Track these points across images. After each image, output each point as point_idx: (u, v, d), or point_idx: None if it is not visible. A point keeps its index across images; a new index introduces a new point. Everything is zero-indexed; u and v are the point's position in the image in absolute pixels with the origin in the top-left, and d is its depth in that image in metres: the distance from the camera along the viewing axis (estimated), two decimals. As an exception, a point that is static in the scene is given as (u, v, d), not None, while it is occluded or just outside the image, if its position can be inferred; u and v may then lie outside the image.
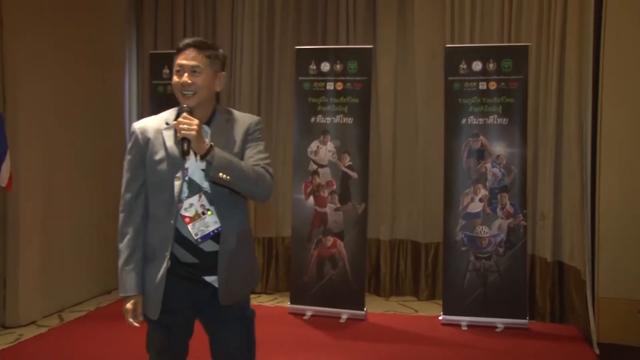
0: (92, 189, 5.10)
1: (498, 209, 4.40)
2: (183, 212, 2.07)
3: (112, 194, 5.32)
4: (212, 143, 1.99)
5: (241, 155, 2.11)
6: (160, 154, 2.08)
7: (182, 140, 1.96)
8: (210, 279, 2.10)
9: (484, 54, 4.48)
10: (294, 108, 4.79)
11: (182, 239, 2.08)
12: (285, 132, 5.45)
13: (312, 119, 4.67)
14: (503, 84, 4.44)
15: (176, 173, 2.07)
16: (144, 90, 5.66)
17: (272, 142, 5.39)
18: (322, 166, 4.64)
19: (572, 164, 4.43)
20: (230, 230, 2.09)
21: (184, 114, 1.99)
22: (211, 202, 2.08)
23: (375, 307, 4.89)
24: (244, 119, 2.19)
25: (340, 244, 4.58)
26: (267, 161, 2.14)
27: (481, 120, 4.47)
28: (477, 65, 4.47)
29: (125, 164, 2.14)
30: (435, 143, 5.02)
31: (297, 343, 4.01)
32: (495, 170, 4.42)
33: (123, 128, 5.63)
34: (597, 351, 3.85)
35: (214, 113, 2.17)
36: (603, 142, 4.04)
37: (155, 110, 4.79)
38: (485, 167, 4.44)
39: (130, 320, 2.08)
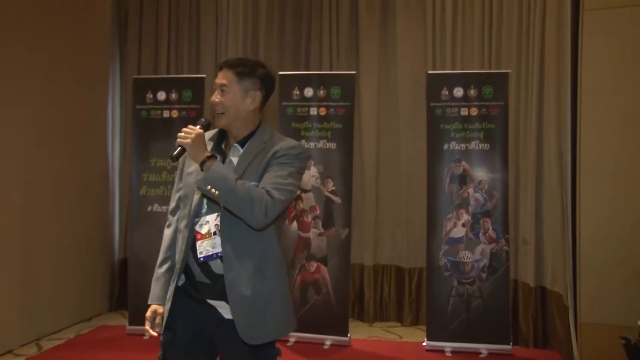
0: (71, 212, 5.03)
1: (480, 234, 4.42)
2: (197, 228, 2.03)
3: (92, 217, 5.37)
4: (216, 155, 1.98)
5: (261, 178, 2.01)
6: (192, 167, 2.08)
7: (177, 147, 1.98)
8: (215, 302, 2.02)
9: (465, 80, 4.55)
10: (277, 133, 4.79)
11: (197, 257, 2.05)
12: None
13: (296, 144, 4.68)
14: (484, 110, 4.50)
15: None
16: (127, 114, 5.63)
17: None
18: (305, 191, 4.63)
19: (553, 190, 4.47)
20: (233, 259, 1.96)
21: (190, 125, 2.00)
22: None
23: (359, 333, 4.85)
24: (279, 143, 2.05)
25: (323, 269, 4.56)
26: (283, 187, 1.95)
27: (463, 145, 4.51)
28: (458, 92, 4.53)
29: None
30: (418, 168, 5.04)
31: (280, 371, 3.95)
32: (478, 195, 4.45)
33: (105, 152, 5.59)
34: (580, 377, 3.86)
35: (254, 133, 2.09)
36: (582, 168, 4.09)
37: (139, 136, 4.89)
38: (468, 192, 4.47)
39: (147, 328, 2.08)
